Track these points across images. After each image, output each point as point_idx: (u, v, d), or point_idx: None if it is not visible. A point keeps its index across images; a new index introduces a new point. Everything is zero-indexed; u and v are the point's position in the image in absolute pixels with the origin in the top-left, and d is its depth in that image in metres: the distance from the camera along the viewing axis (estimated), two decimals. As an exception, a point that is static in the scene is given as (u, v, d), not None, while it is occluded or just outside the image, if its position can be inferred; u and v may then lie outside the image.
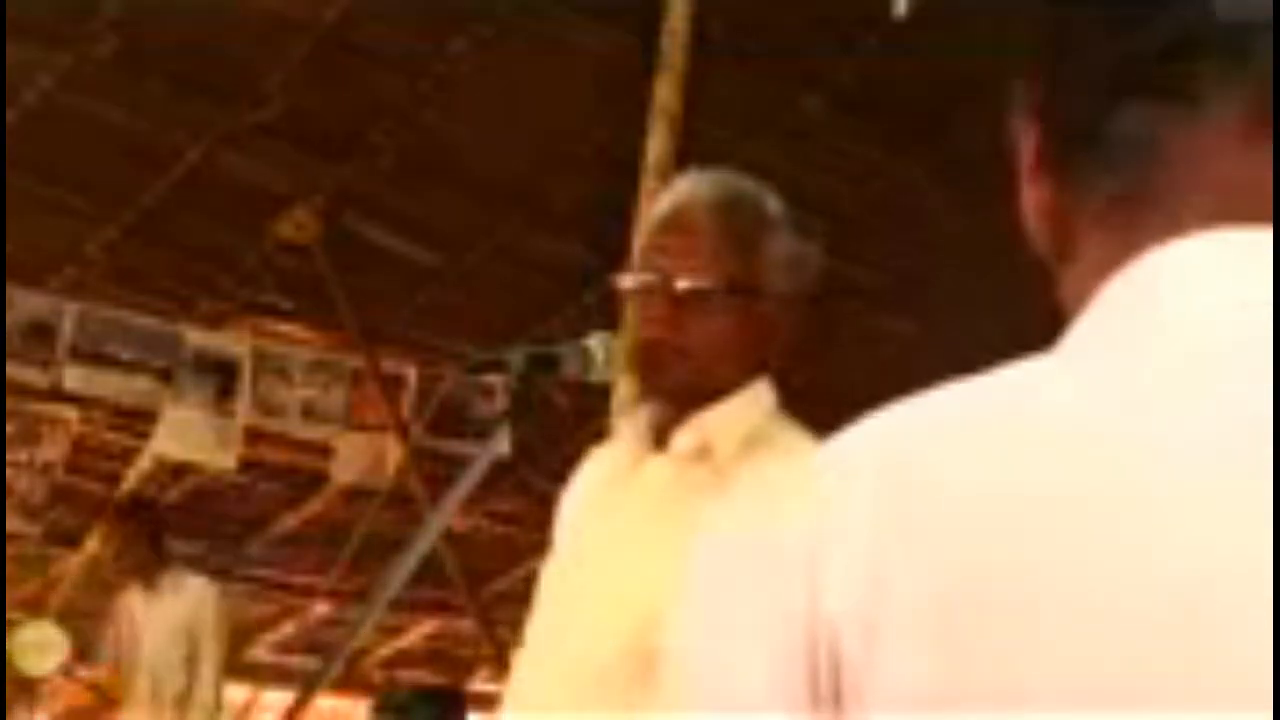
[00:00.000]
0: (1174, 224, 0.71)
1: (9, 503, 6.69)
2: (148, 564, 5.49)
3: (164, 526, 5.75)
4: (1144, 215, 0.73)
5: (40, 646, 5.37)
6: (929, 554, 0.65)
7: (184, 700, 5.48)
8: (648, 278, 1.94)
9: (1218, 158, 0.71)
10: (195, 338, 6.55)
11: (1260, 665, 0.61)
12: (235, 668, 9.06)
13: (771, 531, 0.71)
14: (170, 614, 5.48)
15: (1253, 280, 0.68)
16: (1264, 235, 0.69)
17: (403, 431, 6.79)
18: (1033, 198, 0.78)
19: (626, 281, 1.99)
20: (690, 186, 1.98)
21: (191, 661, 5.48)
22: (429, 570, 6.49)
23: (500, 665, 7.03)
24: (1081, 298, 0.74)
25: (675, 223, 1.96)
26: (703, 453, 1.90)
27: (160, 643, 5.46)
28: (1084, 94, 0.75)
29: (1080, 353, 0.72)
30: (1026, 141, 0.78)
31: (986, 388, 0.70)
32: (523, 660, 1.98)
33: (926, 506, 0.66)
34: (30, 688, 5.49)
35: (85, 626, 6.03)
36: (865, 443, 0.70)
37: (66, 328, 6.30)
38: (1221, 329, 0.67)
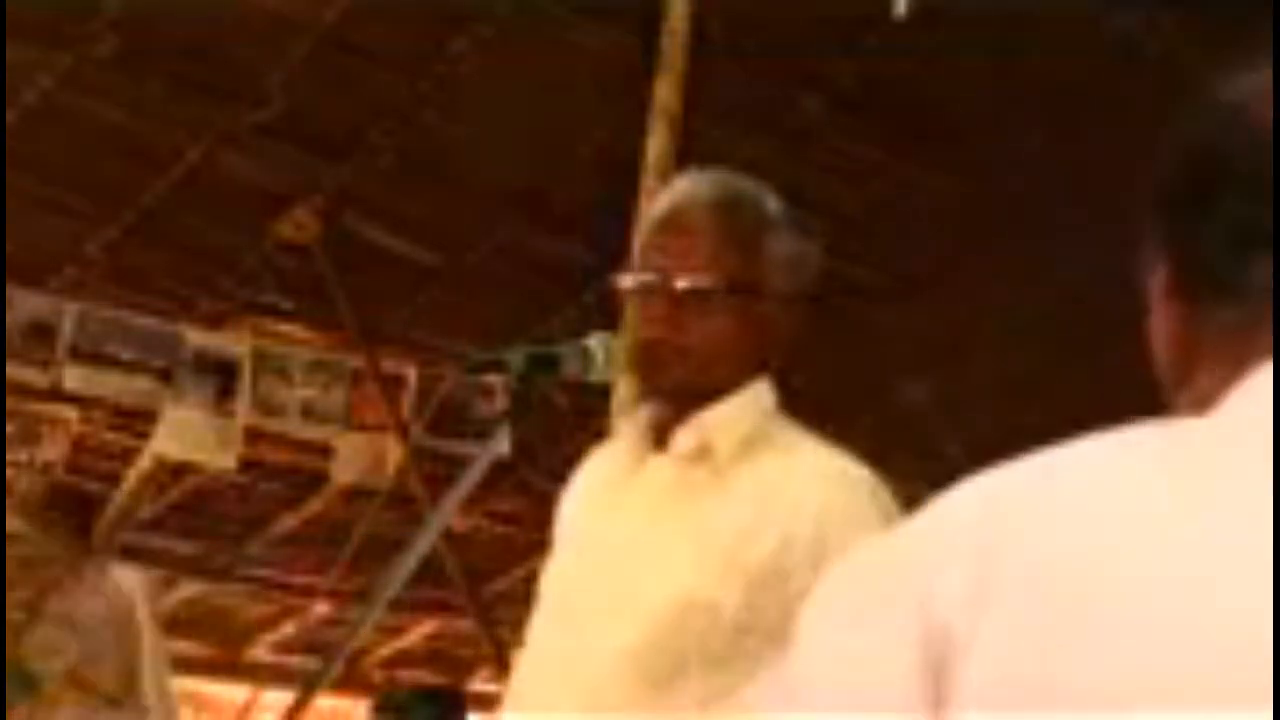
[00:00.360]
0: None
1: (9, 503, 6.68)
2: (74, 556, 5.43)
3: (92, 517, 5.69)
4: (1256, 341, 0.85)
5: (47, 648, 5.35)
6: (1025, 579, 0.76)
7: (118, 698, 5.42)
8: (647, 278, 1.94)
9: None
10: (195, 338, 6.55)
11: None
12: (235, 667, 9.07)
13: (894, 552, 0.83)
14: (98, 608, 5.41)
15: None
16: None
17: (403, 431, 6.79)
18: (1161, 321, 0.91)
19: (626, 281, 1.99)
20: (689, 186, 1.98)
21: (123, 657, 5.42)
22: (429, 570, 6.48)
23: (500, 665, 7.03)
24: (1204, 403, 0.85)
25: (674, 222, 1.96)
26: (703, 453, 1.90)
27: (87, 638, 5.40)
28: (1219, 244, 0.87)
29: (1188, 441, 0.83)
30: (1156, 271, 0.91)
31: (1092, 455, 0.82)
32: (524, 660, 1.98)
33: (1024, 543, 0.77)
34: (32, 687, 5.47)
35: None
36: (979, 488, 0.82)
37: (66, 328, 6.29)
38: None
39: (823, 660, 0.81)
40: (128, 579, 5.54)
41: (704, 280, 1.90)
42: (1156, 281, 0.91)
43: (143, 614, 5.47)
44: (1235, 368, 0.84)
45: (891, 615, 0.78)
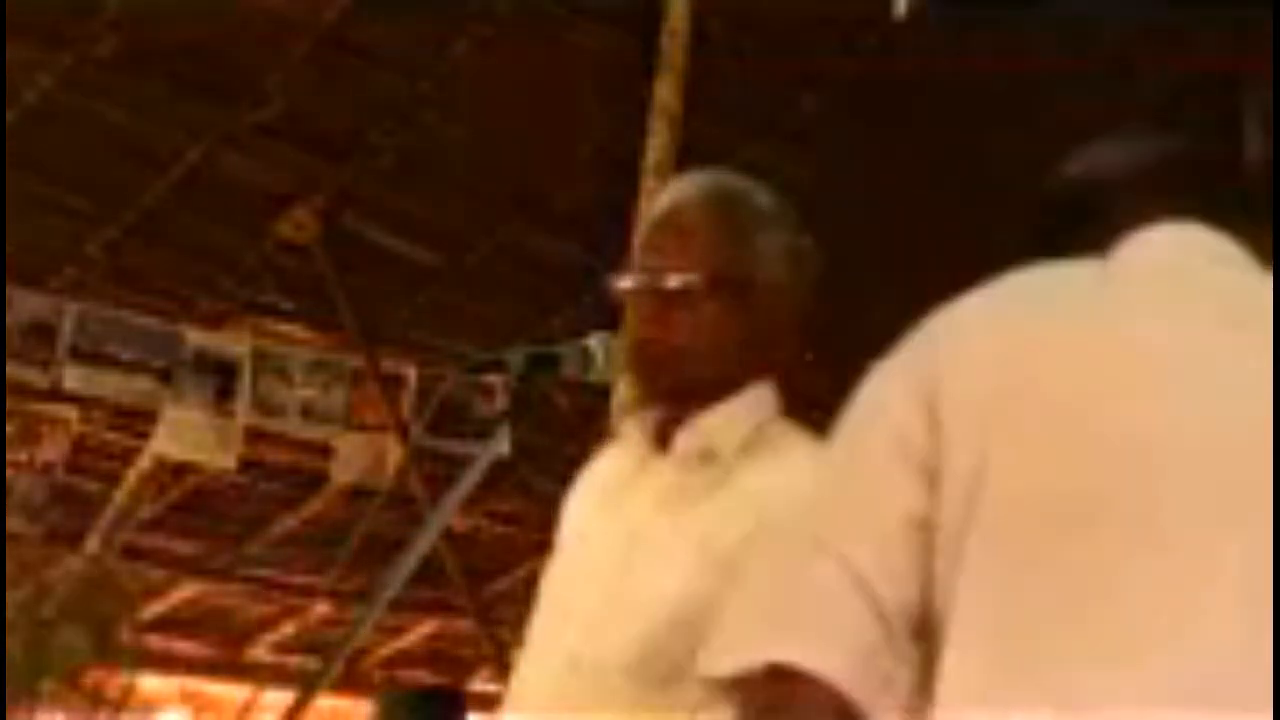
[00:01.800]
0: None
1: (9, 503, 6.68)
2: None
3: None
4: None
5: (63, 650, 5.34)
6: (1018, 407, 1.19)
7: None
8: (639, 277, 1.94)
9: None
10: (195, 338, 6.56)
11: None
12: (235, 667, 9.07)
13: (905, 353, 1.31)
14: None
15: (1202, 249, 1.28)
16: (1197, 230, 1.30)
17: (403, 431, 6.79)
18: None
19: (621, 282, 1.98)
20: (684, 186, 1.98)
21: None
22: (429, 570, 6.49)
23: (500, 665, 7.04)
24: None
25: (668, 222, 1.95)
26: (705, 456, 1.90)
27: None
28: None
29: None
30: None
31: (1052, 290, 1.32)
32: (524, 660, 1.98)
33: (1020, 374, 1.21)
34: (33, 687, 5.47)
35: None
36: (978, 315, 1.32)
37: (66, 328, 6.30)
38: (1188, 272, 1.26)
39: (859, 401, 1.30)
40: None
41: (693, 278, 1.89)
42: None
43: None
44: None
45: (903, 376, 1.27)
